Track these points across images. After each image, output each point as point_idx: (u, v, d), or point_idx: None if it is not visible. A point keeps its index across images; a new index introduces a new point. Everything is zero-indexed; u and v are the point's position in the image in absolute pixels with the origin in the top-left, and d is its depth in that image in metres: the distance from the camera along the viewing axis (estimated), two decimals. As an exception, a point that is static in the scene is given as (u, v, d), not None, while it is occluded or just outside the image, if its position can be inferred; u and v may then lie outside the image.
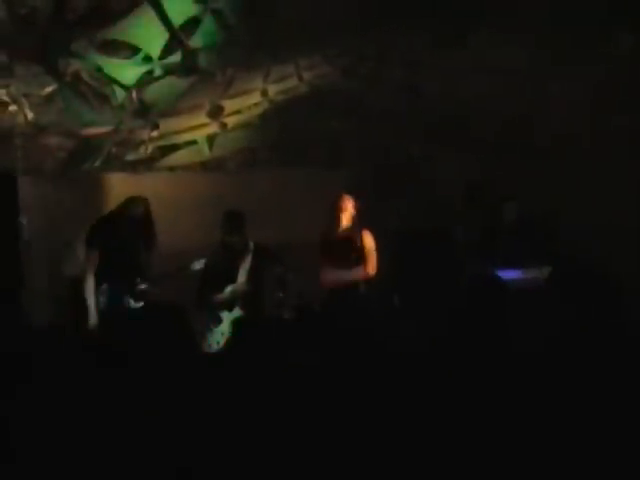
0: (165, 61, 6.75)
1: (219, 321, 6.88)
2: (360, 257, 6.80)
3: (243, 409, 3.03)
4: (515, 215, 7.19)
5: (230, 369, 3.35)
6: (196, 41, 6.65)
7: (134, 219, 6.74)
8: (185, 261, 7.28)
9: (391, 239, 7.29)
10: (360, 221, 6.86)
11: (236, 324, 5.77)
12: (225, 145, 8.31)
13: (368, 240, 6.84)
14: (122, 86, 6.98)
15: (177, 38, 6.56)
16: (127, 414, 3.01)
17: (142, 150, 8.04)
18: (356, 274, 6.71)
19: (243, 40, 6.79)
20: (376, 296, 6.82)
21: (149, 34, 6.46)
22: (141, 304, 6.71)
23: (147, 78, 6.93)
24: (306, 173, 8.32)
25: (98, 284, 6.66)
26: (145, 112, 7.38)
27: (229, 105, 7.79)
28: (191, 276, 7.08)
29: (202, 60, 6.89)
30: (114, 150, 7.90)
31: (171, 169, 8.32)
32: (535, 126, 8.19)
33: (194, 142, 8.18)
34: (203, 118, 7.87)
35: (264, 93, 7.75)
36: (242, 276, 7.00)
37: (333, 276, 6.69)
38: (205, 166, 8.44)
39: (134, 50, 6.63)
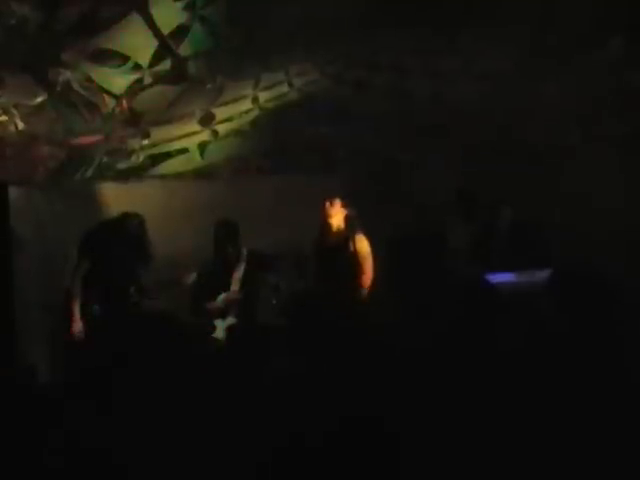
0: (154, 69, 6.74)
1: (212, 329, 6.88)
2: (353, 263, 6.79)
3: (237, 415, 3.02)
4: (509, 221, 7.21)
5: (224, 376, 3.35)
6: (185, 49, 6.64)
7: (129, 233, 6.79)
8: (178, 269, 7.29)
9: (384, 245, 7.29)
10: (353, 226, 6.84)
11: (230, 332, 5.78)
12: (217, 153, 8.31)
13: (362, 245, 6.83)
14: (112, 95, 6.98)
15: (166, 46, 6.55)
16: (122, 419, 3.01)
17: (133, 159, 8.04)
18: None
19: (233, 47, 6.79)
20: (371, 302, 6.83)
21: (138, 42, 6.45)
22: (132, 313, 6.73)
23: (137, 86, 6.92)
24: (298, 180, 8.32)
25: (88, 293, 6.69)
26: (136, 120, 7.38)
27: (220, 113, 7.79)
28: (184, 288, 7.10)
29: (192, 68, 6.88)
30: (105, 159, 7.89)
31: (163, 177, 8.32)
32: (526, 131, 8.20)
33: (185, 150, 8.18)
34: (194, 126, 7.87)
35: (255, 100, 7.76)
36: (235, 284, 7.00)
37: None
38: (197, 174, 8.44)
39: (123, 59, 6.62)
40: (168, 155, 8.17)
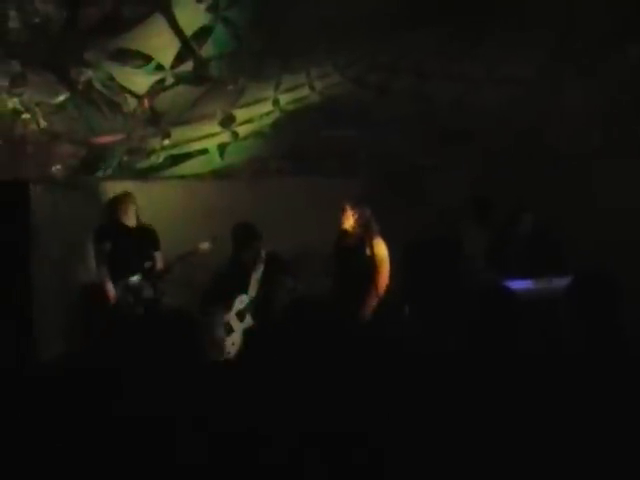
0: (177, 70, 6.77)
1: (230, 331, 6.89)
2: (370, 266, 6.77)
3: (254, 418, 3.02)
4: (531, 227, 7.18)
5: (242, 378, 3.35)
6: (207, 50, 6.66)
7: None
8: (195, 269, 7.32)
9: (402, 248, 7.28)
10: (370, 229, 6.83)
11: (248, 334, 5.80)
12: (236, 154, 8.32)
13: (380, 248, 6.81)
14: (134, 94, 7.01)
15: (189, 47, 6.57)
16: (135, 421, 3.01)
17: (153, 158, 8.07)
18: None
19: (254, 49, 6.80)
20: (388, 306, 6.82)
21: (161, 43, 6.47)
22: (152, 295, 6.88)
23: (159, 87, 6.95)
24: (317, 182, 8.33)
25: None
26: (157, 120, 7.40)
27: (240, 114, 7.80)
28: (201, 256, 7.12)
29: (213, 69, 6.90)
30: (126, 158, 7.93)
31: (182, 178, 8.34)
32: (547, 137, 8.18)
33: (205, 151, 8.20)
34: (214, 127, 7.88)
35: (275, 102, 7.76)
36: (254, 286, 7.02)
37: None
38: (216, 175, 8.46)
39: (146, 59, 6.65)
40: (188, 155, 8.19)
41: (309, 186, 8.34)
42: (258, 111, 7.85)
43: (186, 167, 8.28)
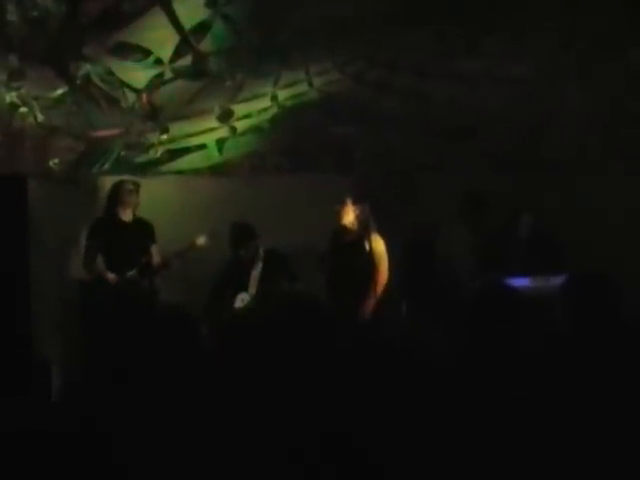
0: (175, 65, 6.76)
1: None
2: (369, 263, 6.77)
3: (251, 415, 3.02)
4: (530, 228, 7.16)
5: (241, 377, 3.34)
6: (206, 45, 6.66)
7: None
8: (192, 265, 7.32)
9: (400, 246, 7.28)
10: (368, 226, 6.83)
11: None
12: (234, 150, 8.31)
13: (378, 245, 6.81)
14: (132, 89, 7.00)
15: (187, 42, 6.57)
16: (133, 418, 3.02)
17: (152, 153, 8.06)
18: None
19: (253, 45, 6.80)
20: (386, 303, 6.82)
21: (160, 37, 6.48)
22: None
23: (157, 81, 6.95)
24: (315, 179, 8.32)
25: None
26: (155, 115, 7.40)
27: (239, 109, 7.79)
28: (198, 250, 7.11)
29: (212, 64, 6.90)
30: (124, 153, 7.91)
31: (180, 173, 8.33)
32: (546, 137, 8.17)
33: (204, 146, 8.19)
34: (213, 122, 7.88)
35: (274, 98, 7.76)
36: (253, 284, 7.01)
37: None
38: (214, 170, 8.44)
39: (145, 53, 6.65)
40: (186, 150, 8.18)
41: (306, 182, 8.33)
42: (256, 106, 7.84)
43: (184, 162, 8.27)
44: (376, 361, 3.32)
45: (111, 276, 6.99)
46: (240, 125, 8.02)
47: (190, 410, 3.02)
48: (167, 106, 7.34)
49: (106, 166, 7.96)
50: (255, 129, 8.15)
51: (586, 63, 7.29)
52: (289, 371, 3.17)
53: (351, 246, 6.83)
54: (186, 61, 6.79)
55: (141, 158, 8.09)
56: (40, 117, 7.18)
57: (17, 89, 6.90)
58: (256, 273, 7.04)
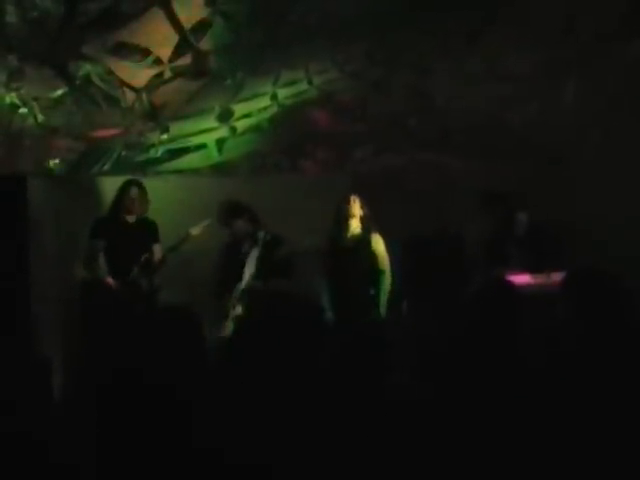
0: (175, 64, 6.76)
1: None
2: (370, 263, 6.75)
3: (249, 408, 3.02)
4: (526, 226, 7.13)
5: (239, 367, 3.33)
6: (206, 44, 6.66)
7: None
8: (191, 265, 7.32)
9: (399, 245, 7.26)
10: (369, 226, 6.81)
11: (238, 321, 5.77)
12: (234, 149, 8.31)
13: (379, 245, 6.79)
14: (132, 89, 7.00)
15: (187, 41, 6.57)
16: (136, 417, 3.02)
17: (152, 153, 8.06)
18: None
19: (253, 44, 6.80)
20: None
21: (159, 37, 6.47)
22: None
23: (157, 81, 6.94)
24: (315, 178, 8.32)
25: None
26: (155, 115, 7.40)
27: (239, 109, 7.79)
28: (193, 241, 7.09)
29: (212, 63, 6.90)
30: (124, 153, 7.91)
31: (180, 172, 8.33)
32: (545, 133, 8.17)
33: (204, 145, 8.18)
34: (213, 121, 7.88)
35: (274, 97, 7.75)
36: (249, 270, 6.99)
37: None
38: (214, 170, 8.44)
39: (144, 53, 6.65)
40: (186, 150, 8.18)
41: (306, 182, 8.32)
42: (256, 106, 7.84)
43: (184, 162, 8.27)
44: (376, 362, 3.31)
45: (110, 279, 6.96)
46: (240, 125, 8.02)
47: (189, 410, 3.03)
48: (167, 106, 7.34)
49: (106, 166, 7.96)
50: (255, 128, 8.15)
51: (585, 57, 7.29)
52: (286, 376, 3.17)
53: (353, 246, 6.79)
54: (186, 60, 6.79)
55: (141, 158, 8.09)
56: (40, 117, 7.18)
57: (17, 89, 6.91)
58: (252, 260, 7.00)
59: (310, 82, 7.68)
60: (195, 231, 7.14)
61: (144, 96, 7.07)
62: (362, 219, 6.84)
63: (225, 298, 7.00)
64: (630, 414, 2.98)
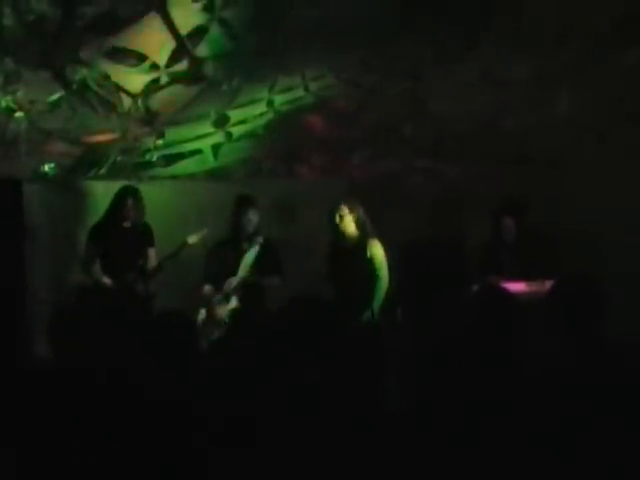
0: (171, 69, 6.77)
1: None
2: (369, 268, 6.73)
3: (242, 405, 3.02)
4: (514, 231, 7.05)
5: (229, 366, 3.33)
6: (202, 50, 6.67)
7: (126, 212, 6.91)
8: (188, 271, 7.31)
9: (394, 251, 7.26)
10: (366, 231, 6.78)
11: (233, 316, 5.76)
12: (230, 155, 8.32)
13: (377, 251, 6.75)
14: (128, 94, 7.01)
15: (184, 47, 6.59)
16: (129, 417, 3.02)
17: (147, 158, 8.06)
18: None
19: (249, 50, 6.81)
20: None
21: (156, 42, 6.49)
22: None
23: (153, 86, 6.95)
24: (310, 184, 8.32)
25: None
26: (151, 120, 7.40)
27: (235, 115, 7.80)
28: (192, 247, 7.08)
29: (208, 69, 6.91)
30: (119, 158, 7.91)
31: (176, 178, 8.33)
32: (540, 140, 8.18)
33: (199, 151, 8.19)
34: (208, 127, 7.88)
35: (269, 103, 7.76)
36: (244, 268, 6.97)
37: None
38: (209, 175, 8.44)
39: (141, 58, 6.66)
40: (182, 156, 8.18)
41: (302, 187, 8.32)
42: (252, 112, 7.85)
43: (180, 167, 8.27)
44: (370, 366, 3.31)
45: (107, 281, 6.97)
46: (236, 130, 8.03)
47: (187, 410, 3.03)
48: (163, 111, 7.35)
49: (102, 171, 7.96)
50: (251, 134, 8.16)
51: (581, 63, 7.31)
52: (286, 376, 3.17)
53: (351, 252, 6.76)
54: (182, 66, 6.80)
55: (137, 163, 8.09)
56: (36, 121, 7.18)
57: (13, 93, 6.91)
58: (249, 258, 6.98)
59: (306, 88, 7.69)
60: (192, 239, 7.12)
61: (140, 101, 7.08)
62: (359, 225, 6.79)
63: (211, 292, 6.98)
64: (627, 417, 2.98)
